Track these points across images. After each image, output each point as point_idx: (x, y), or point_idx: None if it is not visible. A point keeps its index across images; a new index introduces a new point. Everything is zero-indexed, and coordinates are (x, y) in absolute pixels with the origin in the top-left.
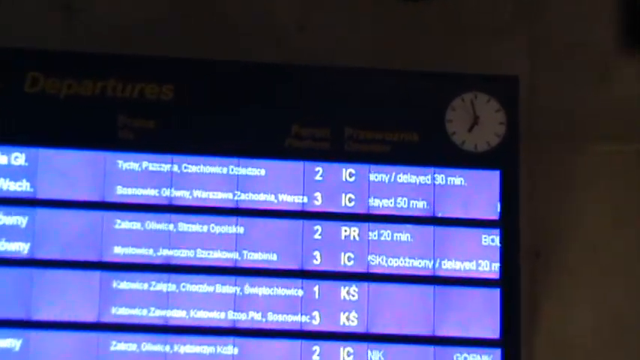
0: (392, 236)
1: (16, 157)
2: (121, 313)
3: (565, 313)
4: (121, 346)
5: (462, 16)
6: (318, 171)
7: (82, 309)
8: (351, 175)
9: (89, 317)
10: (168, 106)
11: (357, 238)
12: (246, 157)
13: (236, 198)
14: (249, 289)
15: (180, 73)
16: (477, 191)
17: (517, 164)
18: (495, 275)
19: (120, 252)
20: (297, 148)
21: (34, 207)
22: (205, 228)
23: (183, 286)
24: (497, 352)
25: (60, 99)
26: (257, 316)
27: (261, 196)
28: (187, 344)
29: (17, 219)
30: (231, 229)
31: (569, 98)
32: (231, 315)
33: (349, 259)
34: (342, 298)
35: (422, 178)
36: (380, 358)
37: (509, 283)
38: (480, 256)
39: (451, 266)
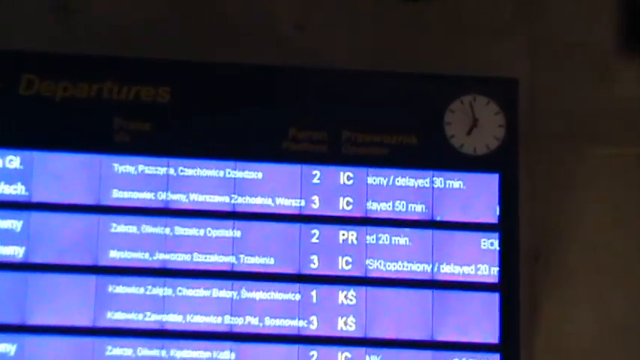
0: (390, 240)
1: (11, 160)
2: (116, 317)
3: (565, 317)
4: (117, 351)
5: (462, 17)
6: (316, 174)
7: (77, 313)
8: (348, 178)
9: (84, 322)
10: (164, 108)
11: (354, 241)
12: (243, 161)
13: (233, 201)
14: (246, 294)
15: (176, 76)
16: (475, 195)
17: (516, 167)
18: (494, 279)
19: (116, 256)
20: (294, 151)
21: (29, 210)
22: (202, 232)
23: (180, 291)
24: (497, 357)
25: (55, 101)
26: (254, 321)
27: (258, 200)
28: (184, 349)
29: (12, 223)
30: (228, 233)
31: (569, 99)
32: (228, 319)
33: (347, 263)
34: (340, 302)
35: (420, 182)
36: None
37: (509, 287)
38: (479, 260)
39: (450, 270)
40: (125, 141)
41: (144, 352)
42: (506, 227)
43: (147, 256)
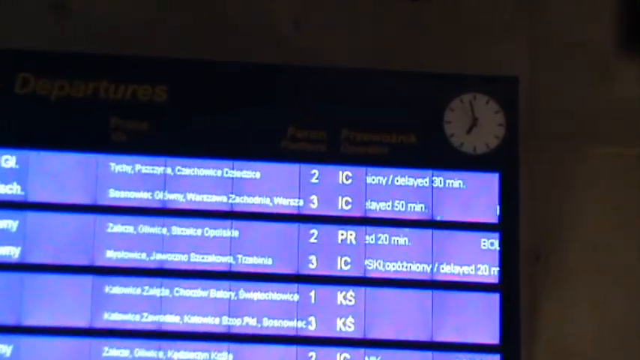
0: (389, 240)
1: (7, 160)
2: (113, 318)
3: (565, 317)
4: (114, 352)
5: (461, 16)
6: (314, 173)
7: (73, 314)
8: (347, 177)
9: (81, 323)
10: (161, 107)
11: (353, 241)
12: (241, 160)
13: (230, 201)
14: (243, 294)
15: (173, 74)
16: (475, 194)
17: (517, 166)
18: (495, 279)
19: (112, 256)
20: (292, 151)
21: (24, 210)
22: (199, 232)
23: (177, 291)
24: (497, 357)
25: (51, 100)
26: (252, 322)
27: (256, 199)
28: (181, 350)
29: (7, 223)
30: (226, 233)
31: (569, 98)
32: (226, 320)
33: (346, 263)
34: (339, 303)
35: (420, 181)
36: None
37: (509, 287)
38: (479, 260)
39: (450, 270)
40: (122, 140)
41: (141, 353)
42: (507, 227)
43: (144, 256)
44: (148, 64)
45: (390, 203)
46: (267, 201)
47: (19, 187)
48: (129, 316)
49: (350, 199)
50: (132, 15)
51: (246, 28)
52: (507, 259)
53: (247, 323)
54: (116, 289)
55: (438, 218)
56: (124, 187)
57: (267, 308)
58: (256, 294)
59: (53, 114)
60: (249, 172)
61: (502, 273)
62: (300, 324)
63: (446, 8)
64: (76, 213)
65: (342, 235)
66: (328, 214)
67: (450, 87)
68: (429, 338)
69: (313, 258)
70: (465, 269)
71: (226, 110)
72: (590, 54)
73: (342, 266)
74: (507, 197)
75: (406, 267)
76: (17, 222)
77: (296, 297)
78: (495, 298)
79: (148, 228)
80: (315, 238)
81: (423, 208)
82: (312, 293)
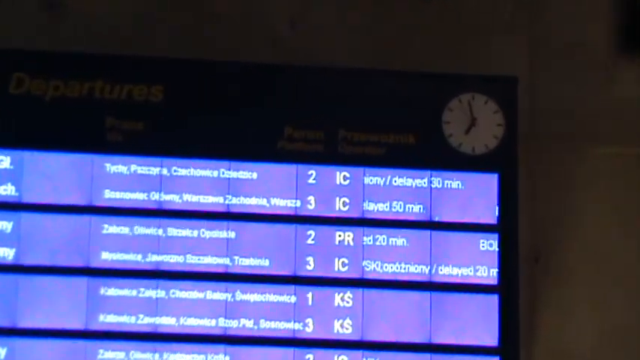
0: (387, 241)
1: (1, 160)
2: (109, 320)
3: (565, 319)
4: (109, 355)
5: (461, 16)
6: (312, 174)
7: (68, 316)
8: (345, 178)
9: (76, 325)
10: (157, 107)
11: (351, 243)
12: (237, 160)
13: (227, 202)
14: (240, 296)
15: (169, 74)
16: (474, 195)
17: (516, 167)
18: (493, 281)
19: (108, 257)
20: (289, 151)
21: (19, 211)
22: (195, 233)
23: (173, 293)
24: (496, 359)
25: (46, 100)
26: (249, 324)
27: (253, 200)
28: (177, 352)
29: (2, 224)
30: (222, 234)
31: (569, 99)
32: (222, 322)
33: (343, 264)
34: (337, 304)
35: (418, 182)
36: None
37: (508, 289)
38: (478, 262)
39: (448, 272)
40: (117, 140)
41: (136, 355)
42: (506, 228)
43: (139, 257)
44: (143, 64)
45: (388, 204)
46: (264, 202)
47: (13, 188)
48: (124, 318)
49: (348, 200)
50: (129, 15)
51: (243, 28)
52: (506, 260)
53: (244, 325)
54: (112, 290)
55: (437, 219)
56: (119, 187)
57: (264, 310)
58: (253, 295)
59: (48, 114)
60: (245, 172)
61: (501, 274)
62: (298, 326)
63: (446, 8)
64: (71, 214)
65: (340, 236)
66: (326, 215)
67: (448, 87)
68: (428, 340)
69: (310, 259)
70: (464, 271)
71: (222, 110)
72: (590, 54)
73: (340, 268)
74: (506, 198)
75: (404, 268)
76: (12, 223)
77: (293, 298)
78: (494, 299)
79: (143, 229)
80: (313, 240)
81: (422, 209)
82: (310, 295)
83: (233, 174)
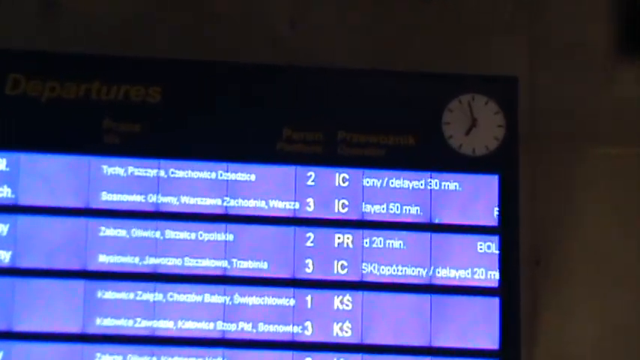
0: (387, 243)
1: None
2: (106, 323)
3: (565, 321)
4: (106, 358)
5: (461, 16)
6: (311, 176)
7: (65, 320)
8: (344, 180)
9: (73, 328)
10: (154, 109)
11: (350, 245)
12: (235, 162)
13: (225, 204)
14: (238, 299)
15: (167, 75)
16: (474, 196)
17: (516, 168)
18: (494, 283)
19: (105, 260)
20: (288, 152)
21: (15, 214)
22: (193, 235)
23: (171, 296)
24: None
25: (42, 102)
26: (247, 327)
27: (252, 202)
28: (175, 356)
29: None
30: (220, 237)
31: (569, 99)
32: (221, 325)
33: (342, 267)
34: (336, 307)
35: (417, 183)
36: None
37: (509, 291)
38: (478, 264)
39: (448, 274)
40: (114, 142)
41: (134, 358)
42: (506, 230)
43: (137, 260)
44: (140, 65)
45: (387, 206)
46: (263, 204)
47: (9, 190)
48: (122, 322)
49: (347, 202)
50: (129, 15)
51: (242, 28)
52: (507, 262)
53: (242, 328)
54: (109, 294)
55: (437, 221)
56: (116, 190)
57: (263, 313)
58: (251, 298)
59: (44, 115)
60: (244, 174)
61: (502, 277)
62: (296, 329)
63: (446, 8)
64: (67, 216)
65: (339, 238)
66: (325, 217)
67: (448, 87)
68: (428, 343)
69: (309, 262)
70: (464, 273)
71: (221, 111)
72: (590, 54)
73: (339, 270)
74: (507, 199)
75: (404, 271)
76: (8, 226)
77: (292, 302)
78: (495, 302)
79: (141, 232)
80: (312, 242)
81: (421, 211)
82: (309, 298)
83: (231, 176)
